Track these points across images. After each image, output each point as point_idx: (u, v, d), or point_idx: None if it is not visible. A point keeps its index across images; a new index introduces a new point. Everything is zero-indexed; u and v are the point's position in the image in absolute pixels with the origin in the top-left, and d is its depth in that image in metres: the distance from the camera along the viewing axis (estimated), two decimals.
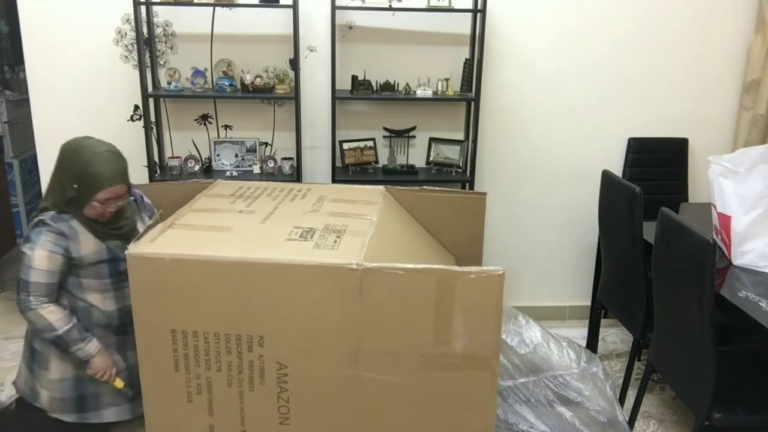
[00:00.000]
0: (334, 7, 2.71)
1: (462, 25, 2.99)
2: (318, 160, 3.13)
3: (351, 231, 1.85)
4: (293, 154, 3.04)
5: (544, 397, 2.19)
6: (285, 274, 1.66)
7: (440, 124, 3.13)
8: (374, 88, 2.94)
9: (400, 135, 3.11)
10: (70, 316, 2.07)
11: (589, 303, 3.35)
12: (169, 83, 2.91)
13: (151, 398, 1.81)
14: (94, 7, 2.86)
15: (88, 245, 2.09)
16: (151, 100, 2.90)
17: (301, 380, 1.74)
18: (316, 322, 1.69)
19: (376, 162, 3.09)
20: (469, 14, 2.94)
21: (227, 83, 2.90)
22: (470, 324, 1.66)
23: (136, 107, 3.00)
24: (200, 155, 3.09)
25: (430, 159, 3.12)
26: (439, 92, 2.96)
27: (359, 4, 2.79)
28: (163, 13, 2.91)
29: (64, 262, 2.05)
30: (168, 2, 2.78)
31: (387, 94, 2.93)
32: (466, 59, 3.00)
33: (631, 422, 2.39)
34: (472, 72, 2.95)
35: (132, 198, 2.21)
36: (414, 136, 3.13)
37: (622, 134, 3.22)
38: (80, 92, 2.95)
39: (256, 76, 2.92)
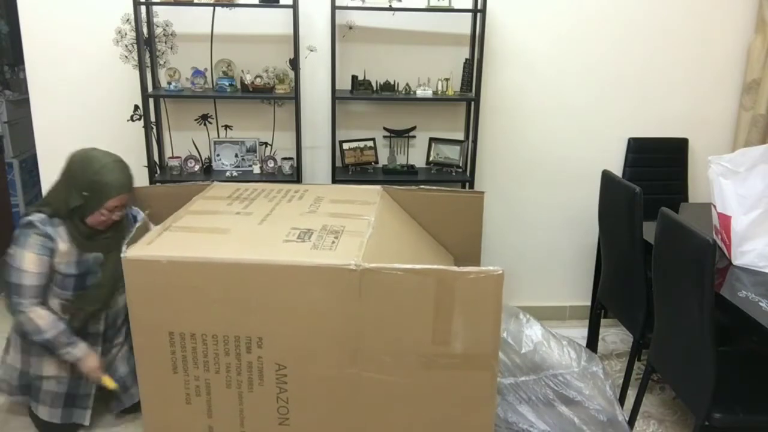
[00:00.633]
0: (334, 7, 2.70)
1: (462, 25, 2.99)
2: (318, 160, 3.13)
3: (349, 231, 1.85)
4: (293, 154, 3.04)
5: (545, 396, 2.19)
6: (283, 276, 1.66)
7: (440, 124, 3.13)
8: (374, 88, 2.94)
9: (400, 135, 3.11)
10: (57, 321, 2.15)
11: (589, 303, 3.34)
12: (169, 83, 2.91)
13: (150, 401, 1.81)
14: (94, 7, 2.86)
15: (64, 255, 2.16)
16: (151, 100, 2.90)
17: (301, 381, 1.74)
18: (315, 323, 1.69)
19: (376, 162, 3.08)
20: (469, 14, 2.94)
21: (227, 83, 2.90)
22: (469, 324, 1.66)
23: (136, 107, 3.00)
24: (200, 155, 3.09)
25: (430, 159, 3.12)
26: (439, 92, 2.96)
27: (359, 4, 2.78)
28: (163, 13, 2.91)
29: (50, 263, 2.13)
30: (168, 2, 2.78)
31: (387, 94, 2.93)
32: (466, 59, 3.00)
33: (631, 422, 2.38)
34: (472, 72, 2.95)
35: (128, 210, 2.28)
36: (414, 136, 3.13)
37: (622, 134, 3.22)
38: (80, 92, 2.95)
39: (256, 76, 2.92)
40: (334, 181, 2.94)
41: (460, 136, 3.13)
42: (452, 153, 3.08)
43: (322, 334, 1.70)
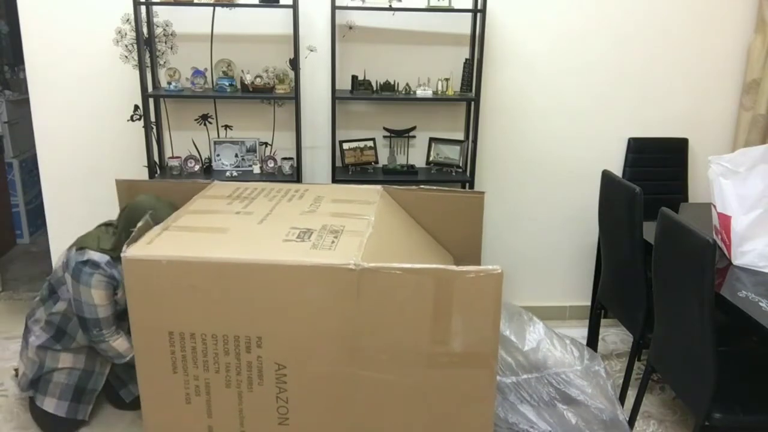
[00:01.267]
0: (334, 7, 2.71)
1: (462, 25, 2.99)
2: (318, 160, 3.13)
3: (348, 231, 1.85)
4: (293, 154, 3.04)
5: (547, 394, 2.19)
6: (283, 275, 1.66)
7: (440, 124, 3.13)
8: (374, 88, 2.94)
9: (400, 135, 3.11)
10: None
11: (589, 303, 3.34)
12: (169, 83, 2.91)
13: (149, 400, 1.80)
14: (94, 7, 2.86)
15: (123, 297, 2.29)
16: (151, 100, 2.90)
17: (300, 380, 1.74)
18: (314, 322, 1.69)
19: (376, 162, 3.08)
20: (469, 14, 2.94)
21: (227, 83, 2.90)
22: (468, 323, 1.66)
23: (136, 107, 3.00)
24: (200, 155, 3.09)
25: (430, 159, 3.12)
26: (439, 92, 2.96)
27: (359, 4, 2.79)
28: (163, 13, 2.91)
29: (114, 293, 2.30)
30: (168, 2, 2.78)
31: (387, 94, 2.93)
32: (466, 59, 3.00)
33: (631, 422, 2.38)
34: (472, 72, 2.95)
35: None
36: (414, 136, 3.13)
37: (622, 134, 3.22)
38: (80, 92, 2.95)
39: (256, 76, 2.92)
40: (334, 181, 2.94)
41: (460, 136, 3.14)
42: (452, 153, 3.09)
43: (321, 333, 1.69)
